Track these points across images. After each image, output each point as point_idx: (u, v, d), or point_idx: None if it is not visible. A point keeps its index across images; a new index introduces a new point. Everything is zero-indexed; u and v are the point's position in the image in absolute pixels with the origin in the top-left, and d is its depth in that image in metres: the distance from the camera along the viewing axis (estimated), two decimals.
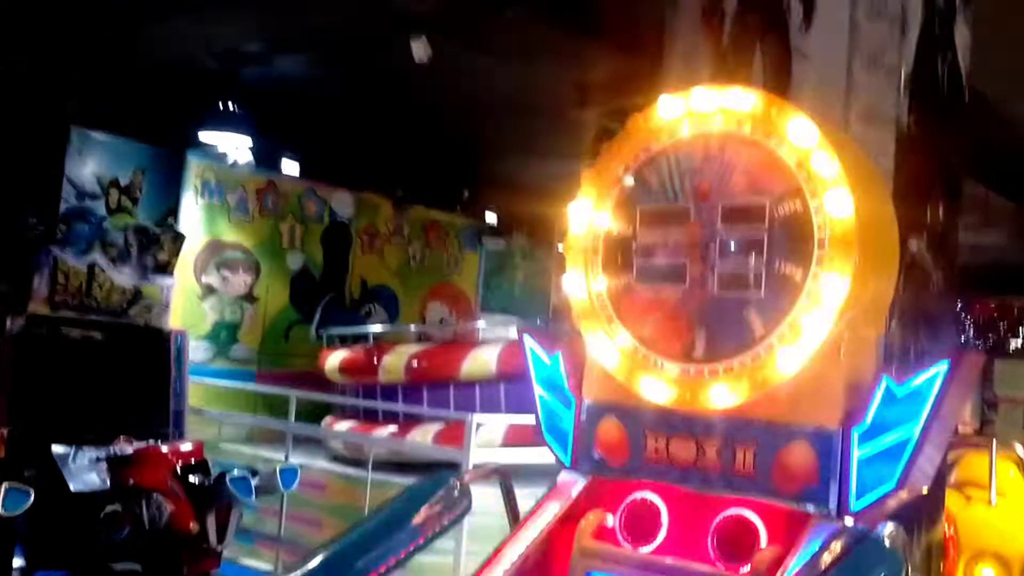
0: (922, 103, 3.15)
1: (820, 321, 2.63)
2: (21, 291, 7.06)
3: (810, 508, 2.65)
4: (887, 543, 2.38)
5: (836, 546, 2.32)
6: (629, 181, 3.07)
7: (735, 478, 2.77)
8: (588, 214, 3.13)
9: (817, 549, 2.43)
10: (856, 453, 2.61)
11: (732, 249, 2.81)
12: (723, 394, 2.77)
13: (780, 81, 3.14)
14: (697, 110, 2.89)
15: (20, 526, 5.65)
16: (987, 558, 4.51)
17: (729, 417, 2.79)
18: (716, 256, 2.84)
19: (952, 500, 3.52)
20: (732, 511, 2.78)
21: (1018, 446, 5.49)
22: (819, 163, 2.68)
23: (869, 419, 2.60)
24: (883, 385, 2.59)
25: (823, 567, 2.23)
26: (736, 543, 2.74)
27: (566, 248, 3.16)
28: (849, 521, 2.59)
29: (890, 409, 2.59)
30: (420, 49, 6.37)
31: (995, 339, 19.03)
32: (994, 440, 5.07)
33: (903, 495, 2.61)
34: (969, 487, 4.93)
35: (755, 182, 2.80)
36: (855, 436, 2.61)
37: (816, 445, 2.65)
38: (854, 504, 2.61)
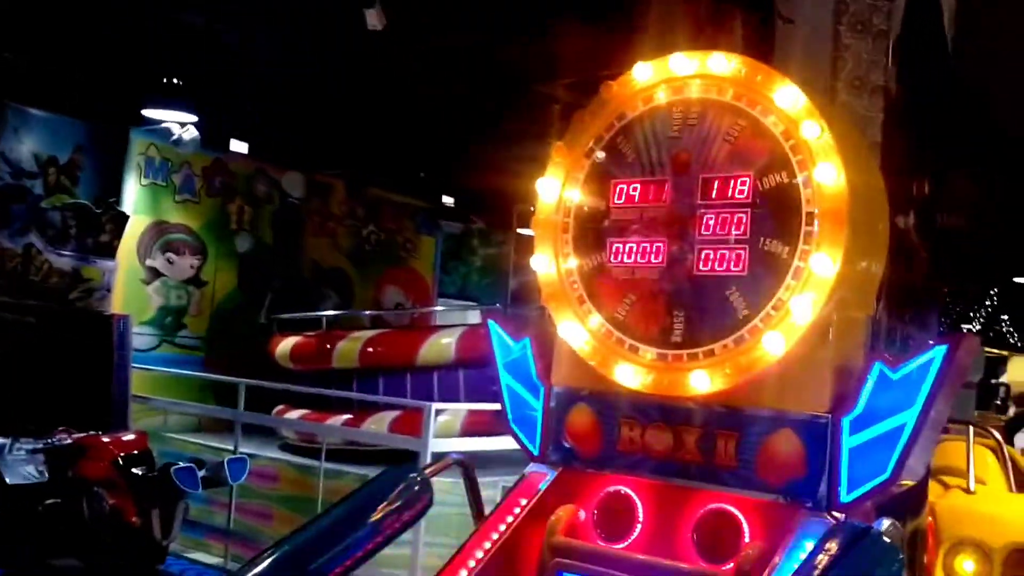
0: (911, 71, 2.99)
1: (808, 301, 2.46)
2: None
3: (797, 501, 2.47)
4: (885, 539, 2.21)
5: (832, 545, 2.14)
6: (601, 155, 2.87)
7: (716, 470, 2.59)
8: (557, 189, 2.92)
9: (809, 547, 2.25)
10: (847, 442, 2.44)
11: (713, 225, 2.62)
12: (703, 380, 2.59)
13: (762, 47, 2.95)
14: (675, 74, 2.69)
15: None
16: (967, 548, 4.40)
17: (709, 404, 2.61)
18: (696, 232, 2.64)
19: (930, 489, 3.38)
20: (713, 505, 2.60)
21: (995, 432, 5.41)
22: (808, 133, 2.50)
23: (861, 406, 2.43)
24: (876, 370, 2.42)
25: (820, 568, 2.05)
26: (718, 539, 2.56)
27: (534, 225, 2.95)
28: (839, 515, 2.43)
29: (883, 395, 2.42)
30: (374, 17, 6.11)
31: (947, 324, 19.23)
32: (971, 426, 4.97)
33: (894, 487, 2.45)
34: (946, 475, 4.82)
35: (738, 152, 2.61)
36: (846, 424, 2.44)
37: (803, 434, 2.48)
38: (844, 496, 2.44)
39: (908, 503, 2.87)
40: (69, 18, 7.65)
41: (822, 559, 2.09)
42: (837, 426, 2.44)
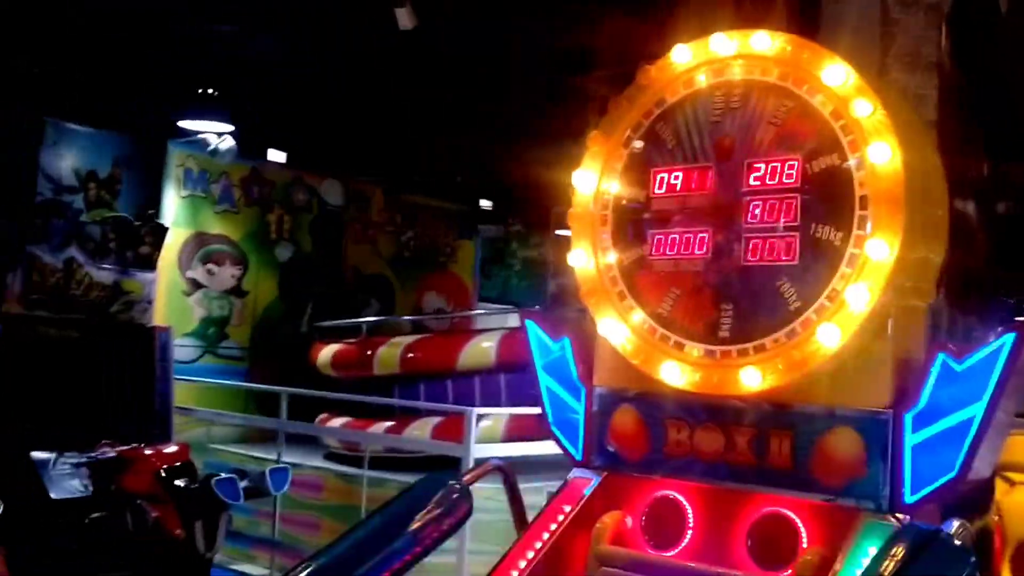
0: (965, 45, 2.82)
1: (865, 291, 2.31)
2: None
3: (857, 503, 2.33)
4: (956, 542, 2.06)
5: (898, 549, 1.99)
6: (639, 143, 2.74)
7: (770, 471, 2.45)
8: (594, 180, 2.80)
9: (872, 551, 2.11)
10: (909, 439, 2.29)
11: (760, 212, 2.48)
12: (754, 376, 2.45)
13: (807, 25, 2.81)
14: (716, 55, 2.56)
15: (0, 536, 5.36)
16: None
17: (761, 402, 2.47)
18: (742, 221, 2.51)
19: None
20: (768, 509, 2.46)
21: None
22: (859, 111, 2.36)
23: (924, 400, 2.28)
24: (940, 361, 2.27)
25: (888, 574, 1.90)
26: (774, 545, 2.43)
27: (571, 219, 2.83)
28: (903, 517, 2.28)
29: (948, 388, 2.27)
30: (405, 17, 6.04)
31: (1011, 313, 18.72)
32: None
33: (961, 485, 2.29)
34: (1011, 471, 4.60)
35: (785, 135, 2.47)
36: (908, 420, 2.29)
37: (863, 431, 2.34)
38: (908, 497, 2.29)
39: (974, 502, 2.70)
40: (105, 33, 7.68)
41: (888, 565, 1.95)
42: (899, 422, 2.29)
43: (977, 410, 2.23)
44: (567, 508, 2.75)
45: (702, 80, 2.61)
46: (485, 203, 13.00)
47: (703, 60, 2.60)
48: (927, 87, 2.71)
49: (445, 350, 8.56)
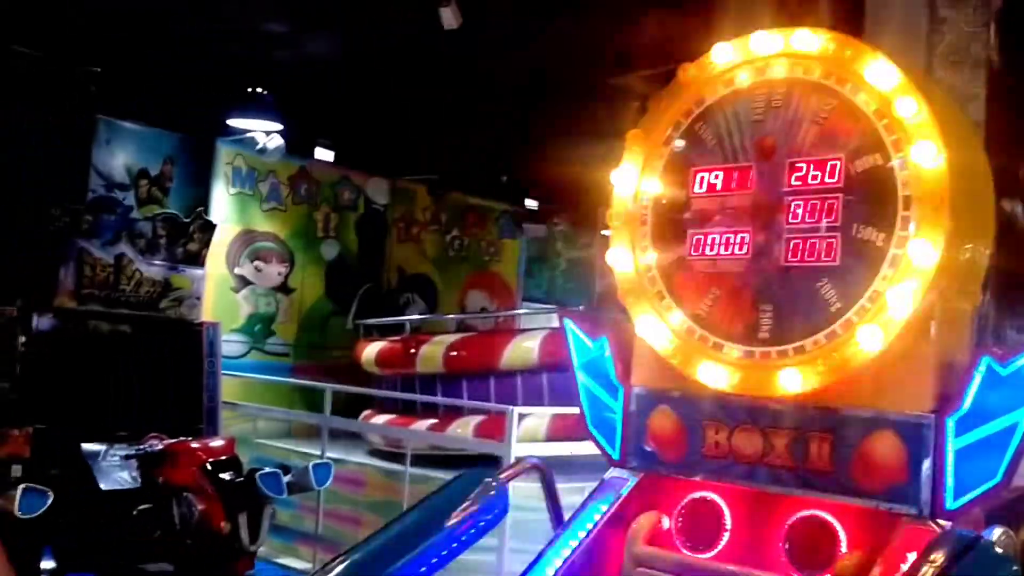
0: (1014, 43, 2.77)
1: (907, 293, 2.28)
2: (47, 285, 6.87)
3: (898, 508, 2.29)
4: (997, 549, 2.02)
5: (938, 555, 1.96)
6: (680, 142, 2.72)
7: (809, 475, 2.43)
8: (634, 180, 2.79)
9: (912, 557, 2.07)
10: (952, 444, 2.25)
11: (802, 212, 2.46)
12: (794, 378, 2.42)
13: (851, 22, 2.77)
14: (757, 54, 2.54)
15: (48, 527, 5.47)
16: None
17: (801, 405, 2.44)
18: (783, 221, 2.48)
19: None
20: (806, 512, 2.43)
21: None
22: (903, 110, 2.32)
23: (967, 404, 2.24)
24: (984, 365, 2.22)
25: None
26: (812, 549, 2.40)
27: (610, 219, 2.82)
28: (944, 523, 2.24)
29: (992, 393, 2.22)
30: (450, 16, 6.05)
31: None
32: None
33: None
34: None
35: (827, 135, 2.44)
36: (951, 424, 2.25)
37: (904, 435, 2.30)
38: (950, 503, 2.25)
39: (1018, 510, 2.65)
40: (157, 32, 7.80)
41: (928, 571, 1.91)
42: (942, 426, 2.25)
43: (1022, 415, 2.19)
44: (603, 507, 2.74)
45: (743, 79, 2.59)
46: (531, 202, 13.00)
47: (744, 59, 2.58)
48: (975, 86, 2.66)
49: (488, 349, 8.57)
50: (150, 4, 7.24)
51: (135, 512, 6.11)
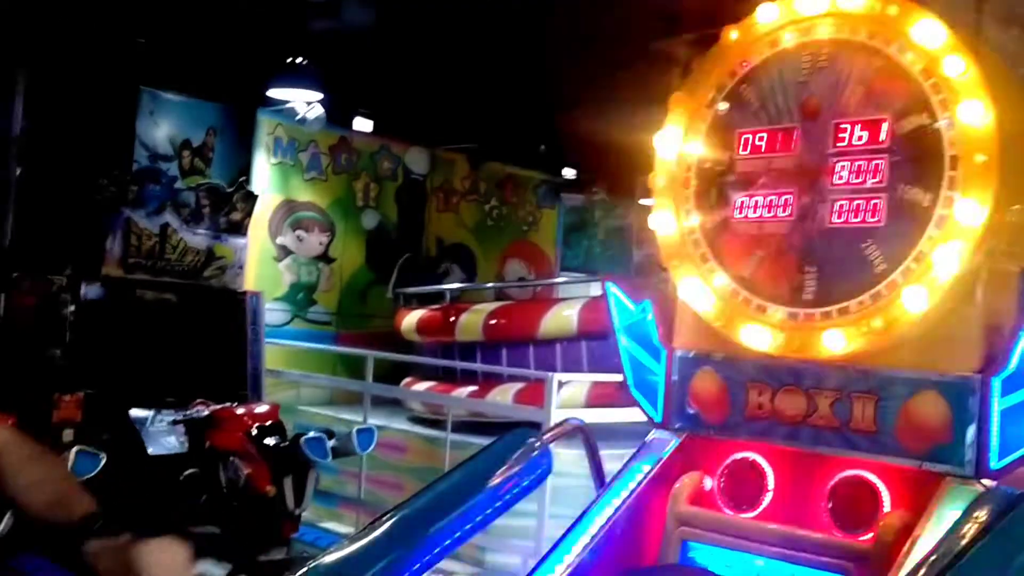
0: None
1: (953, 253, 2.28)
2: (94, 254, 6.99)
3: (941, 468, 2.30)
4: None
5: (981, 512, 1.97)
6: (724, 104, 2.72)
7: (852, 435, 2.44)
8: (678, 143, 2.79)
9: (956, 516, 2.08)
10: (997, 404, 2.25)
11: (847, 173, 2.45)
12: (838, 340, 2.43)
13: None
14: (802, 15, 2.53)
15: (99, 490, 5.61)
16: None
17: (845, 366, 2.45)
18: (828, 182, 2.48)
19: None
20: (849, 472, 2.45)
21: None
22: (951, 69, 2.31)
23: (1013, 365, 2.24)
24: None
25: (968, 538, 1.88)
26: (855, 508, 2.42)
27: (653, 182, 2.83)
28: (988, 483, 2.24)
29: None
30: None
31: None
32: None
33: None
34: None
35: (873, 95, 2.43)
36: (996, 385, 2.25)
37: (949, 396, 2.30)
38: (994, 463, 2.26)
39: None
40: (196, 3, 7.84)
41: (970, 528, 1.93)
42: (987, 386, 2.25)
43: None
44: (646, 468, 2.77)
45: (788, 40, 2.58)
46: (569, 172, 12.94)
47: (789, 19, 2.57)
48: None
49: (527, 317, 8.60)
50: None
51: (182, 476, 6.25)
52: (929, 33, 2.34)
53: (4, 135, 7.52)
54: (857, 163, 2.43)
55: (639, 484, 2.74)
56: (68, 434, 6.17)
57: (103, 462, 4.92)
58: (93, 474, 4.87)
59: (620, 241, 13.93)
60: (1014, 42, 2.56)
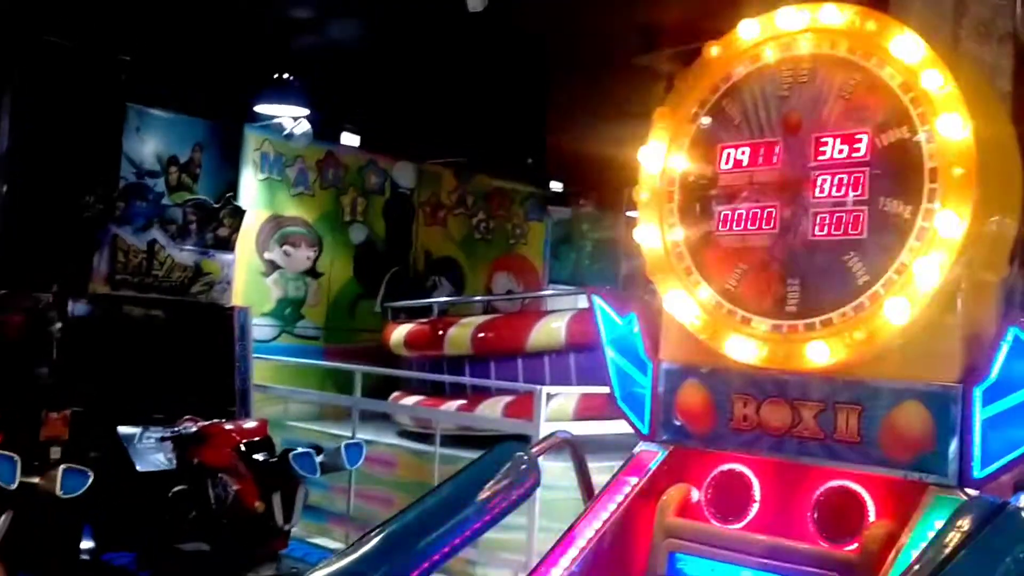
0: None
1: (934, 264, 2.30)
2: (82, 271, 6.98)
3: (925, 478, 2.32)
4: None
5: (964, 521, 1.99)
6: (706, 119, 2.75)
7: (837, 445, 2.46)
8: (661, 157, 2.82)
9: (939, 525, 2.10)
10: (979, 414, 2.28)
11: (828, 186, 2.48)
12: (821, 351, 2.45)
13: None
14: (783, 30, 2.56)
15: (87, 507, 5.58)
16: None
17: (829, 377, 2.47)
18: (810, 195, 2.51)
19: None
20: (834, 483, 2.46)
21: None
22: (929, 83, 2.34)
23: (995, 374, 2.26)
24: (1012, 334, 2.25)
25: (951, 547, 1.90)
26: (840, 518, 2.43)
27: (637, 195, 2.86)
28: (972, 492, 2.26)
29: (1020, 363, 2.25)
30: None
31: None
32: None
33: None
34: None
35: (853, 109, 2.46)
36: (978, 394, 2.28)
37: (931, 405, 2.33)
38: (977, 472, 2.28)
39: None
40: (184, 19, 7.87)
41: (953, 536, 1.94)
42: (969, 396, 2.28)
43: None
44: (633, 481, 2.78)
45: (769, 55, 2.61)
46: (556, 185, 13.00)
47: (770, 35, 2.60)
48: (1001, 58, 2.67)
49: (515, 330, 8.62)
50: None
51: (171, 493, 6.23)
52: (908, 48, 2.37)
53: None
54: (838, 176, 2.46)
55: (627, 497, 2.75)
56: (56, 452, 6.15)
57: (91, 480, 4.89)
58: (81, 492, 4.85)
59: (607, 253, 13.99)
60: (991, 56, 2.59)
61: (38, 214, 7.48)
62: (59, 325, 6.67)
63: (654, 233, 2.80)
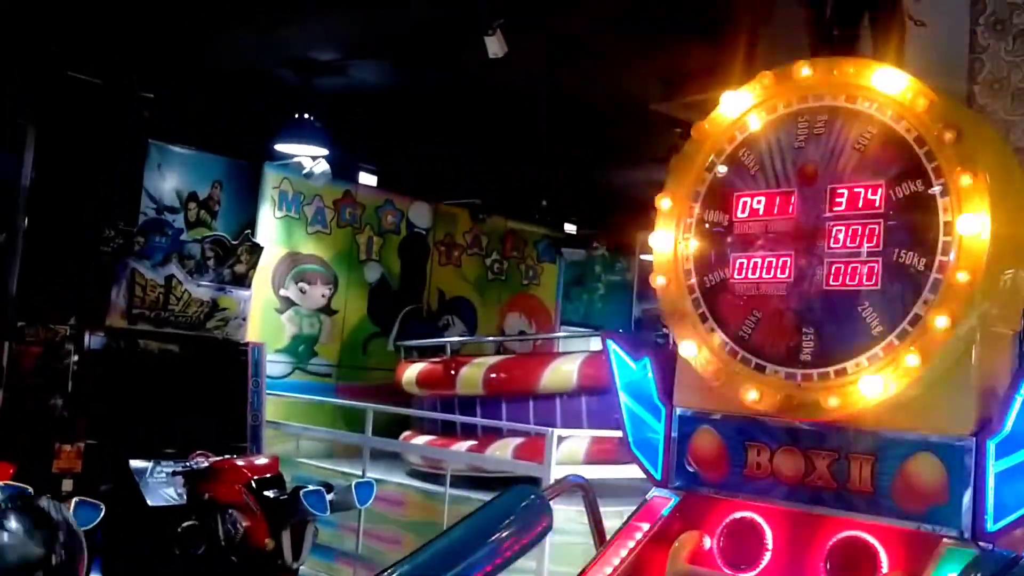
0: None
1: (947, 317, 2.31)
2: (99, 305, 7.05)
3: (939, 530, 2.32)
4: None
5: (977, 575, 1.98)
6: (722, 168, 2.79)
7: (850, 496, 2.46)
8: (677, 204, 2.85)
9: None
10: (992, 467, 2.28)
11: (843, 237, 2.50)
12: (835, 401, 2.46)
13: (893, 52, 2.82)
14: (800, 83, 2.60)
15: (98, 540, 5.58)
16: None
17: (843, 427, 2.47)
18: (825, 245, 2.53)
19: None
20: (847, 533, 2.46)
21: None
22: (944, 138, 2.36)
23: (1008, 427, 2.27)
24: None
25: None
26: (852, 569, 2.42)
27: (653, 242, 2.88)
28: (985, 545, 2.26)
29: None
30: (495, 45, 6.16)
31: None
32: None
33: None
34: None
35: (868, 161, 2.49)
36: (991, 447, 2.28)
37: (945, 457, 2.33)
38: (991, 525, 2.28)
39: None
40: (204, 57, 8.00)
41: None
42: (982, 449, 2.28)
43: None
44: (645, 527, 2.78)
45: (785, 107, 2.64)
46: (570, 227, 13.07)
47: (787, 87, 2.63)
48: (1016, 113, 2.70)
49: (527, 372, 8.62)
50: (201, 32, 7.44)
51: (180, 528, 6.22)
52: (923, 102, 2.41)
53: (13, 186, 7.61)
54: (853, 227, 2.48)
55: (638, 543, 2.75)
56: (68, 484, 6.17)
57: (103, 513, 4.90)
58: (93, 525, 4.85)
59: (621, 296, 14.01)
60: (1005, 111, 2.63)
61: (58, 247, 7.56)
62: (75, 358, 6.72)
63: (669, 279, 2.82)
